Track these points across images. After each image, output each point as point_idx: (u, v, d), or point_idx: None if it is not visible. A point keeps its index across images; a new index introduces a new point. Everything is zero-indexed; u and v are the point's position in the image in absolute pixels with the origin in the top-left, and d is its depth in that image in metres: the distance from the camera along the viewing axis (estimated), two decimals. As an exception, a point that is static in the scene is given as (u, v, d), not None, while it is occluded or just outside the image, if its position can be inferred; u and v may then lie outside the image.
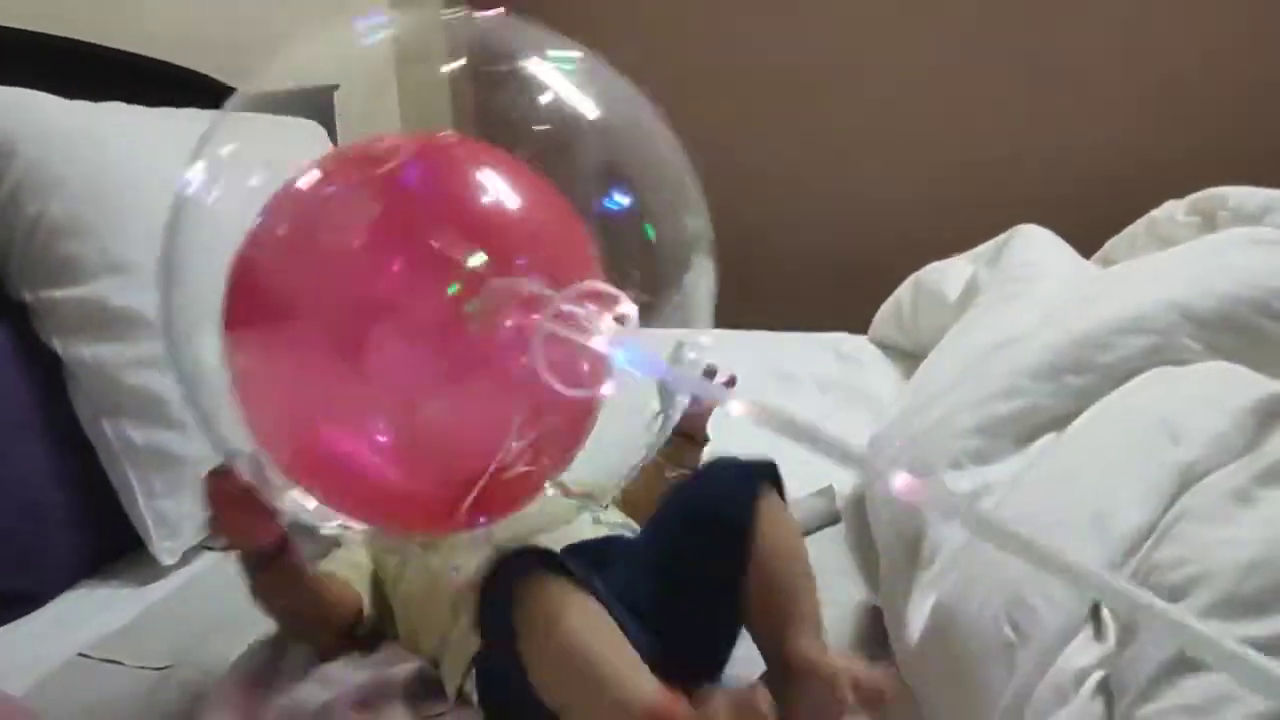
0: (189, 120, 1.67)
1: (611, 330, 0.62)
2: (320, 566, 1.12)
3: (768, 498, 1.01)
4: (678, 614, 0.97)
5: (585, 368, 0.64)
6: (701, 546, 0.99)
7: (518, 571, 0.87)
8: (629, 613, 0.94)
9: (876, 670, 0.87)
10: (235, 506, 0.95)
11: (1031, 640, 0.75)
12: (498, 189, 0.71)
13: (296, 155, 2.04)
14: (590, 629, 0.85)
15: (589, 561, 1.00)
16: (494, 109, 0.84)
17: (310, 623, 1.07)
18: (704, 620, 1.01)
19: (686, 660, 0.94)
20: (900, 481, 0.50)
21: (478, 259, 0.65)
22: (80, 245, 1.36)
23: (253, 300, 0.72)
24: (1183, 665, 0.61)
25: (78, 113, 1.47)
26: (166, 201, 1.46)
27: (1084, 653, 0.72)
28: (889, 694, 0.84)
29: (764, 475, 1.03)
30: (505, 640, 0.86)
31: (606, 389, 0.65)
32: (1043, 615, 0.75)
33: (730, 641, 1.02)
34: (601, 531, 1.10)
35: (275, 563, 1.01)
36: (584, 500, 1.17)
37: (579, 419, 0.74)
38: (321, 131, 2.03)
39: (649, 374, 0.65)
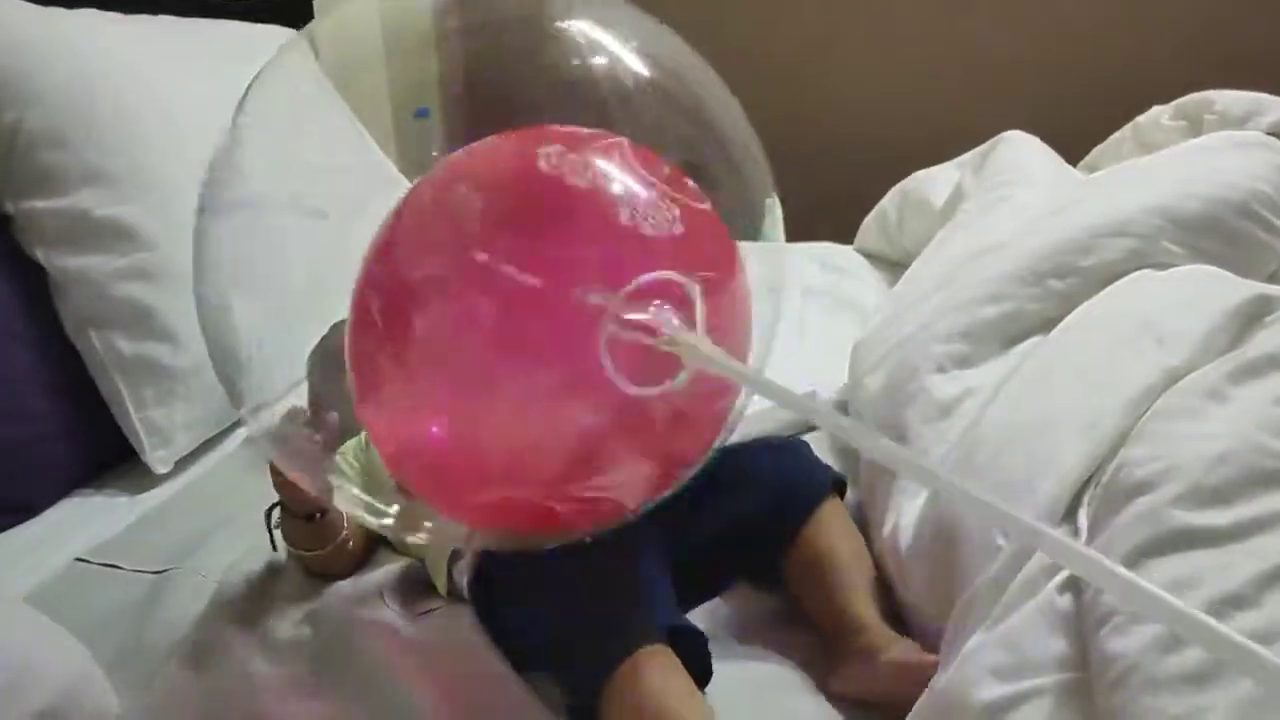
0: (165, 27, 1.64)
1: (679, 325, 0.59)
2: None
3: (833, 504, 1.05)
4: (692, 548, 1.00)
5: (655, 367, 0.61)
6: (748, 515, 1.02)
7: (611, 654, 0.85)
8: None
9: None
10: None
11: (1011, 536, 0.77)
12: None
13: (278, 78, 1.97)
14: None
15: None
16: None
17: (334, 565, 1.09)
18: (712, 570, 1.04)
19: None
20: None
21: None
22: (60, 155, 1.35)
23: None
24: (1148, 551, 0.63)
25: (51, 20, 1.44)
26: (146, 109, 1.45)
27: (1056, 548, 0.74)
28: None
29: (835, 483, 1.07)
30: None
31: (672, 385, 0.61)
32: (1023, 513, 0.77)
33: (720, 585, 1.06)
34: None
35: (316, 519, 1.04)
36: None
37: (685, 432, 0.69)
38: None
39: (720, 371, 0.60)
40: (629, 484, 0.69)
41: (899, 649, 0.89)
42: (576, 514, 0.70)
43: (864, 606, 0.95)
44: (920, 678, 0.81)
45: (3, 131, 1.33)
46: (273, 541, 1.10)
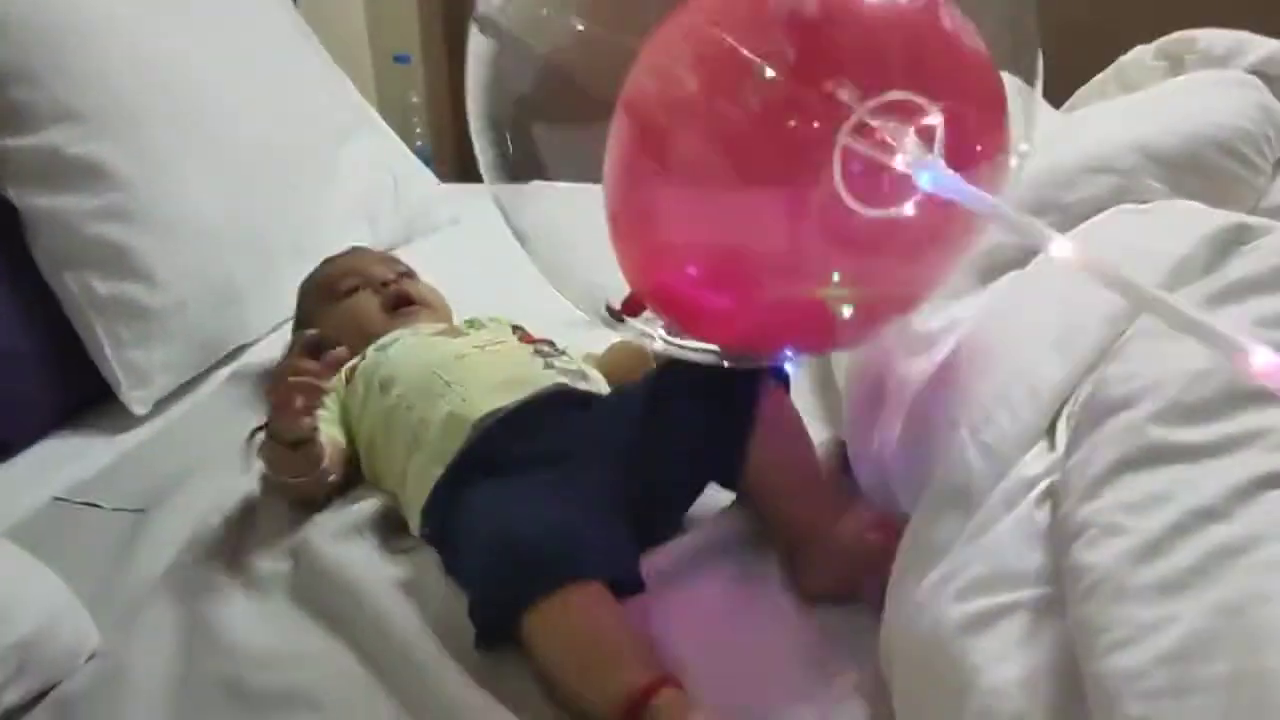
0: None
1: (915, 146, 0.60)
2: None
3: (777, 394, 1.04)
4: (651, 477, 1.00)
5: (888, 188, 0.63)
6: (700, 420, 1.00)
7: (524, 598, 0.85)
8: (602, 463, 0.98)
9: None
10: (300, 391, 0.98)
11: (991, 450, 0.78)
12: None
13: (252, 18, 1.93)
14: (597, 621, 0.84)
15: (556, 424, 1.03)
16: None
17: (313, 493, 1.09)
18: (676, 487, 1.04)
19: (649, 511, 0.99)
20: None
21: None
22: (29, 92, 1.33)
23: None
24: (1124, 466, 0.63)
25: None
26: (115, 44, 1.43)
27: (1036, 463, 0.75)
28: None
29: (779, 377, 1.05)
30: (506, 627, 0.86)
31: (906, 209, 0.63)
32: (1005, 428, 0.78)
33: (687, 504, 1.06)
34: (554, 378, 1.10)
35: (305, 448, 1.03)
36: (540, 345, 1.19)
37: (917, 254, 0.72)
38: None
39: (955, 198, 0.61)
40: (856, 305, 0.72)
41: (846, 521, 0.94)
42: (780, 327, 0.74)
43: (809, 499, 0.98)
44: (874, 543, 0.87)
45: (-31, 67, 1.31)
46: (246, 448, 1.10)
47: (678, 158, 0.67)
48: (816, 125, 0.61)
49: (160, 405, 1.38)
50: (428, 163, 2.25)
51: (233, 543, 1.06)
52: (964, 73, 0.69)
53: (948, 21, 0.69)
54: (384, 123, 2.12)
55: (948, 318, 1.03)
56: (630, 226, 0.72)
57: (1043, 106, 1.59)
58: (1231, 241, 0.85)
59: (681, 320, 0.77)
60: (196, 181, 1.47)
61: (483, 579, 0.89)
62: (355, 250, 1.48)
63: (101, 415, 1.36)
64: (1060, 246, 0.54)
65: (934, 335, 1.02)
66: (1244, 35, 1.40)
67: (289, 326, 1.50)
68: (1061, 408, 0.79)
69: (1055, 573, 0.65)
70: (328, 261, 1.42)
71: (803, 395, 1.28)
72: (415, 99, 2.75)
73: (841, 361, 1.20)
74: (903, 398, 0.98)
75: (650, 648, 0.85)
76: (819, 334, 0.77)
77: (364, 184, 1.88)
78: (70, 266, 1.34)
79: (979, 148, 0.69)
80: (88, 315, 1.33)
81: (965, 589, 0.68)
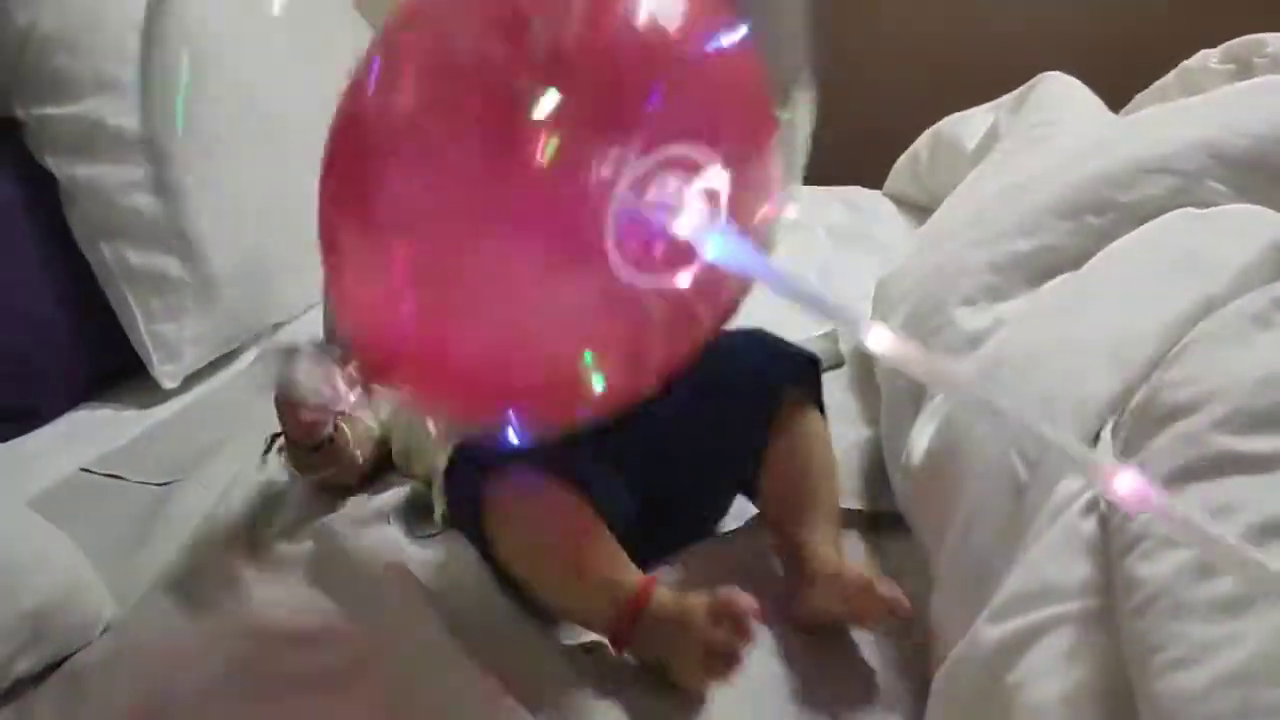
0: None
1: (698, 210, 0.51)
2: None
3: (801, 403, 0.99)
4: (671, 480, 0.95)
5: (663, 253, 0.53)
6: (718, 421, 0.96)
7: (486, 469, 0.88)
8: (615, 471, 0.92)
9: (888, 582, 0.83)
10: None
11: (1038, 466, 0.74)
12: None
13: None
14: (568, 518, 0.86)
15: None
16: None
17: (344, 479, 1.08)
18: (698, 492, 1.00)
19: (671, 523, 0.96)
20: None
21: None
22: (72, 60, 1.32)
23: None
24: (1185, 475, 0.60)
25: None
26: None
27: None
28: (900, 609, 0.80)
29: (802, 370, 1.01)
30: (472, 516, 0.90)
31: (681, 280, 0.54)
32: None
33: (719, 516, 1.02)
34: None
35: (326, 448, 1.02)
36: None
37: (683, 327, 0.59)
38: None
39: (743, 270, 0.52)
40: (609, 378, 0.59)
41: (831, 568, 0.87)
42: (540, 407, 0.61)
43: (814, 532, 0.91)
44: (846, 591, 0.82)
45: (16, 34, 1.31)
46: (264, 458, 1.10)
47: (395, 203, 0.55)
48: (585, 183, 0.51)
49: (190, 380, 1.37)
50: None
51: (253, 522, 1.05)
52: (747, 121, 0.60)
53: (732, 59, 0.58)
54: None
55: (992, 317, 0.99)
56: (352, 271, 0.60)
57: (1102, 107, 1.57)
58: (1300, 249, 0.80)
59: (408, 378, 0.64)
60: (236, 157, 1.45)
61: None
62: None
63: (131, 388, 1.35)
64: (878, 336, 0.46)
65: (977, 335, 0.98)
66: (1317, 39, 1.35)
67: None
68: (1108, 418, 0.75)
69: (1103, 585, 0.62)
70: None
71: (842, 393, 1.25)
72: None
73: (882, 363, 1.16)
74: (942, 399, 0.94)
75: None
76: (559, 407, 0.62)
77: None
78: (106, 237, 1.33)
79: (760, 211, 0.58)
80: (121, 286, 1.33)
81: (1005, 605, 0.64)
